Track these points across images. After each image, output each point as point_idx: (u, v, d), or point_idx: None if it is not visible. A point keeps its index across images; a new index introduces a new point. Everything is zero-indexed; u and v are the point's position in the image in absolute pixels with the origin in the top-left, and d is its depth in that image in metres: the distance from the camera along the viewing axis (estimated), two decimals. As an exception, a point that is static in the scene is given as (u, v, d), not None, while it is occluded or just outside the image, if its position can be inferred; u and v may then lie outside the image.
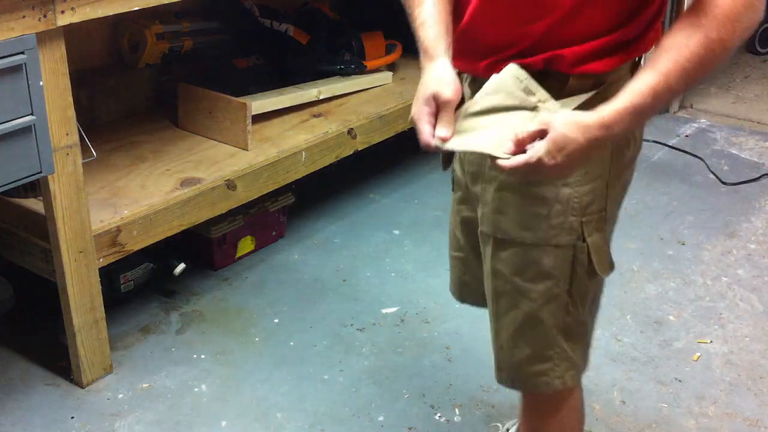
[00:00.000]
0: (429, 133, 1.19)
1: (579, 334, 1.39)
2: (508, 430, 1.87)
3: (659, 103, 1.13)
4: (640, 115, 1.13)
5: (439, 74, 1.22)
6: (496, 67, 1.23)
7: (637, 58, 1.29)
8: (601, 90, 1.23)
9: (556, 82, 1.22)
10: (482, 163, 1.34)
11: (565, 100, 1.21)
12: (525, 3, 1.22)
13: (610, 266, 1.36)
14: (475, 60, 1.30)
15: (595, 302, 1.41)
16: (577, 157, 1.13)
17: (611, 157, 1.28)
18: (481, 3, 1.26)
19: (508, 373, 1.42)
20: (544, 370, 1.38)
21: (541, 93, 1.20)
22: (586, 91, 1.22)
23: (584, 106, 1.19)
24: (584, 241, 1.30)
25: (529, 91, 1.20)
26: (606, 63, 1.23)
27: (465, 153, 1.37)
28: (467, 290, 1.57)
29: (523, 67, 1.21)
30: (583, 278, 1.33)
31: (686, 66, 1.10)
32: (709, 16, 1.09)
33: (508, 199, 1.31)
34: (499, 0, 1.24)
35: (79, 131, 1.94)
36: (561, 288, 1.33)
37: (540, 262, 1.31)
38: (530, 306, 1.34)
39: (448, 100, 1.20)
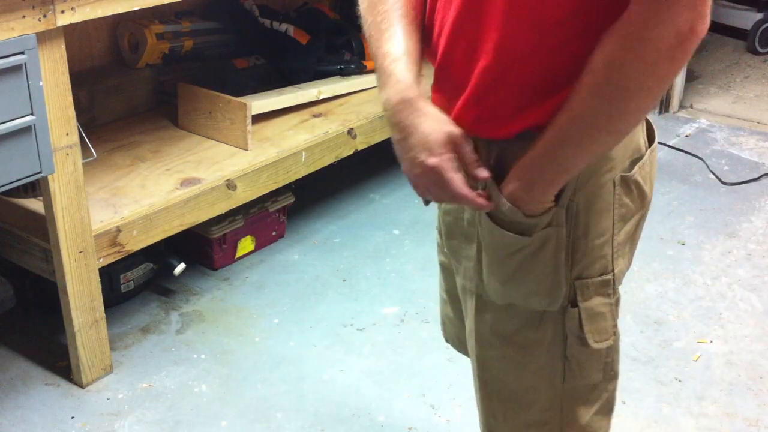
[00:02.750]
0: (470, 191, 1.07)
1: (592, 398, 1.21)
2: None
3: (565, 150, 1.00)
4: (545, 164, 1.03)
5: (437, 113, 1.08)
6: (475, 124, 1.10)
7: None
8: None
9: (528, 141, 1.06)
10: (459, 217, 1.19)
11: None
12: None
13: (614, 334, 1.17)
14: (450, 102, 1.13)
15: (608, 367, 1.20)
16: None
17: (613, 212, 1.11)
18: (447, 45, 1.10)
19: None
20: None
21: None
22: None
23: None
24: (575, 306, 1.13)
25: None
26: None
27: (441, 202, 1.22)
28: (447, 331, 1.45)
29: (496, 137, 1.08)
30: (577, 347, 1.16)
31: (575, 110, 0.98)
32: (590, 67, 0.96)
33: (492, 257, 1.14)
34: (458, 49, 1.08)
35: (79, 131, 1.94)
36: (554, 355, 1.16)
37: (528, 326, 1.16)
38: (523, 373, 1.19)
39: (465, 135, 1.08)
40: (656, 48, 0.92)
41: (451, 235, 1.22)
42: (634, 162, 1.12)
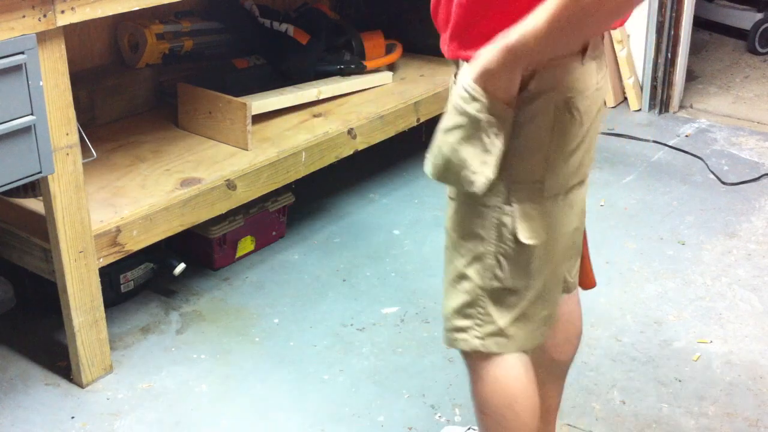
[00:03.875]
0: None
1: (510, 303, 1.39)
2: None
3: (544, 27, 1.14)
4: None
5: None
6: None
7: None
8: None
9: None
10: None
11: None
12: None
13: (542, 238, 1.35)
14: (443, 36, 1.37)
15: (534, 275, 1.38)
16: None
17: (552, 130, 1.29)
18: None
19: (442, 323, 1.47)
20: (464, 327, 1.42)
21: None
22: None
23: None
24: (510, 204, 1.32)
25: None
26: None
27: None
28: None
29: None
30: (510, 243, 1.35)
31: None
32: None
33: (445, 124, 1.33)
34: None
35: (79, 131, 1.94)
36: (488, 249, 1.36)
37: (471, 219, 1.36)
38: (461, 261, 1.39)
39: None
40: None
41: None
42: (580, 93, 1.29)
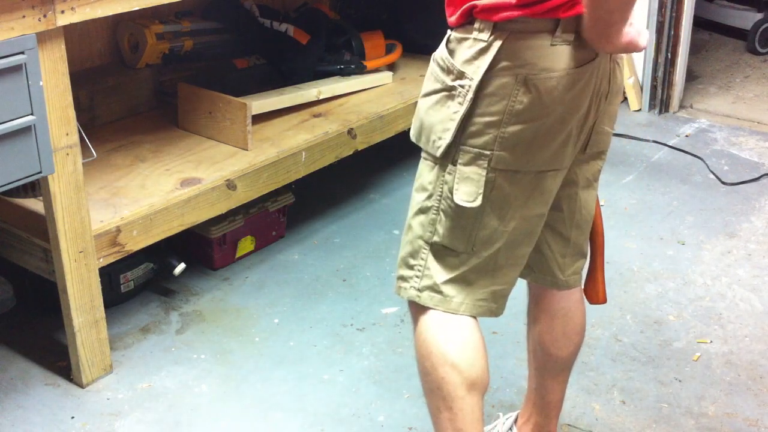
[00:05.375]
0: None
1: (451, 263, 1.45)
2: (507, 419, 1.88)
3: None
4: None
5: None
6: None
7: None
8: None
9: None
10: None
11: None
12: None
13: (479, 203, 1.39)
14: None
15: (479, 244, 1.43)
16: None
17: (506, 104, 1.33)
18: None
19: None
20: (405, 276, 1.51)
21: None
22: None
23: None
24: (455, 165, 1.39)
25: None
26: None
27: None
28: None
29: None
30: (449, 202, 1.41)
31: None
32: None
33: (418, 111, 1.44)
34: None
35: (79, 131, 1.94)
36: (433, 204, 1.44)
37: (425, 175, 1.45)
38: (410, 212, 1.50)
39: None
40: None
41: None
42: (544, 71, 1.31)
